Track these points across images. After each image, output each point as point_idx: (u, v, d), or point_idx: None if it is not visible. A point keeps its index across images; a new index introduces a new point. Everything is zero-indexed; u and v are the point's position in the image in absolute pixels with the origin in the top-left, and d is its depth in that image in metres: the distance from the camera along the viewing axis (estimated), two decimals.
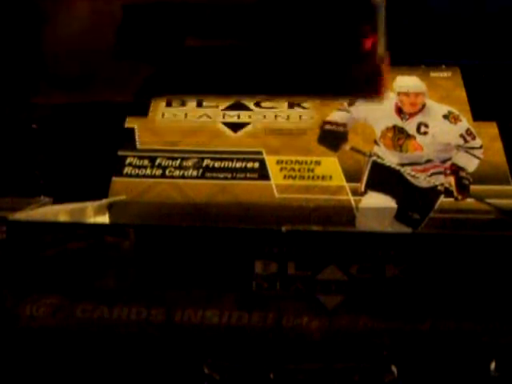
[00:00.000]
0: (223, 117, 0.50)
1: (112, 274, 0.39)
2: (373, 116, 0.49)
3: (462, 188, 0.46)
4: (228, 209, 0.44)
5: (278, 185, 0.46)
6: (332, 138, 0.49)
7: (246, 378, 0.39)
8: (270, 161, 0.47)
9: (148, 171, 0.46)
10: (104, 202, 0.44)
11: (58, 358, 0.40)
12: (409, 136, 0.48)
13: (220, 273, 0.39)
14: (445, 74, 0.53)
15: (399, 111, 0.49)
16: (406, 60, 0.54)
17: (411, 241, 0.39)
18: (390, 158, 0.47)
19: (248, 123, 0.49)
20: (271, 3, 0.31)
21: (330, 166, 0.47)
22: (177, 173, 0.46)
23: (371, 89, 0.29)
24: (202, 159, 0.47)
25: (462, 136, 0.48)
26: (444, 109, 0.50)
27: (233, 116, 0.50)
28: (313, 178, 0.46)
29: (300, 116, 0.50)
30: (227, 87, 0.34)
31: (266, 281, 0.39)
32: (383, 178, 0.46)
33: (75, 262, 0.39)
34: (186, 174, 0.46)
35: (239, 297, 0.39)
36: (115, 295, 0.39)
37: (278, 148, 0.48)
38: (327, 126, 0.49)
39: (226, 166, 0.47)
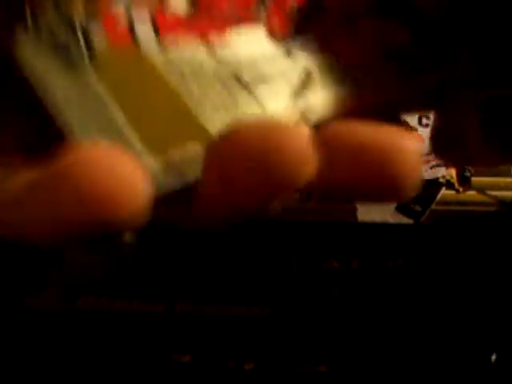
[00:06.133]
0: None
1: (114, 269, 0.39)
2: None
3: (464, 180, 0.45)
4: None
5: None
6: None
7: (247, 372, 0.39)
8: None
9: None
10: None
11: (60, 350, 0.40)
12: (410, 128, 0.48)
13: (219, 267, 0.39)
14: None
15: None
16: None
17: (412, 232, 0.39)
18: None
19: None
20: None
21: None
22: None
23: None
24: None
25: None
26: None
27: None
28: None
29: None
30: None
31: (266, 275, 0.39)
32: None
33: (76, 257, 0.39)
34: None
35: (238, 290, 0.39)
36: (117, 289, 0.39)
37: None
38: None
39: None
